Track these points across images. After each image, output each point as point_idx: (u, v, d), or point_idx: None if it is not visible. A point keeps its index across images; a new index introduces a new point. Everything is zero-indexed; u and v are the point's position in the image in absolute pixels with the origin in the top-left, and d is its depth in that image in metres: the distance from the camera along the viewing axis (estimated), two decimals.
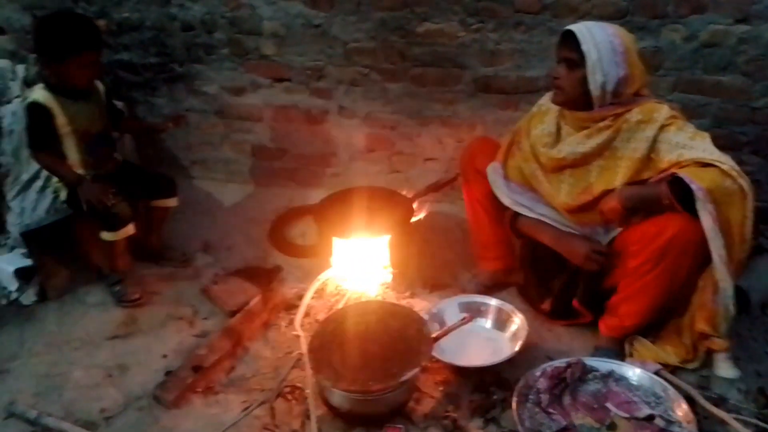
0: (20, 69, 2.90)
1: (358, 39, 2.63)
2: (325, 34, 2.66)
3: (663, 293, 1.81)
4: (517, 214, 2.08)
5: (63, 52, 2.15)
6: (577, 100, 1.85)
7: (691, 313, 1.88)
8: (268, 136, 3.01)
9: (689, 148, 1.74)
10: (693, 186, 1.65)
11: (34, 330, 2.27)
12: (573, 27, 1.78)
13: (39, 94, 2.24)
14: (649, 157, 1.81)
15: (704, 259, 1.74)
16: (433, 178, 2.70)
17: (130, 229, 2.32)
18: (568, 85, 1.84)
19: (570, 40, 1.78)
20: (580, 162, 1.91)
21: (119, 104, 2.91)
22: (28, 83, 2.87)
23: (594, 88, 1.79)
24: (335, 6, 2.58)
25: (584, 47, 1.75)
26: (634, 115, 1.81)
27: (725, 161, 1.70)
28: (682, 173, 1.68)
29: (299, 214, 2.88)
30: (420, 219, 2.61)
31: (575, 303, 2.03)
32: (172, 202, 2.57)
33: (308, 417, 1.80)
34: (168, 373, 2.01)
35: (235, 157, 3.13)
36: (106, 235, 2.30)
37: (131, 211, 2.32)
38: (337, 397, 1.78)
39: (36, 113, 2.23)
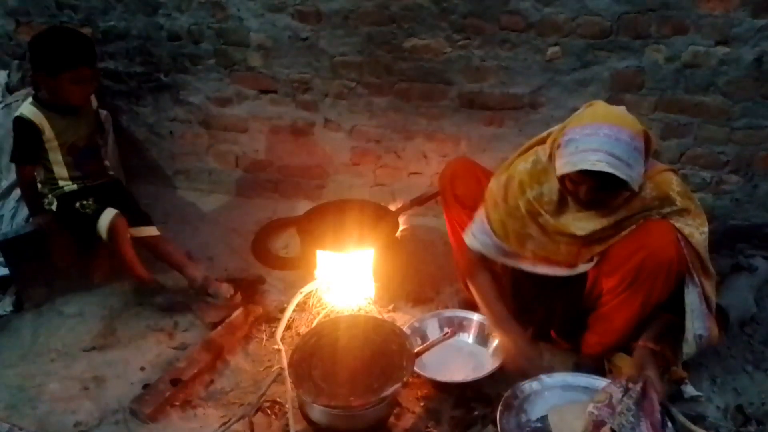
0: (2, 75, 2.88)
1: (344, 53, 2.64)
2: (312, 47, 2.67)
3: (638, 312, 1.82)
4: (471, 275, 2.03)
5: (56, 67, 2.14)
6: None
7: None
8: (253, 147, 3.00)
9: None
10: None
11: (9, 340, 2.23)
12: (599, 168, 1.56)
13: (27, 109, 2.22)
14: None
15: (678, 278, 1.76)
16: (417, 192, 2.71)
17: (103, 224, 2.27)
18: (610, 200, 1.73)
19: (597, 173, 1.58)
20: (587, 237, 1.81)
21: (103, 113, 2.90)
22: (10, 90, 2.85)
23: (635, 190, 1.67)
24: (323, 20, 2.59)
25: (623, 177, 1.57)
26: (648, 191, 1.74)
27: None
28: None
29: (283, 226, 2.87)
30: (403, 233, 2.61)
31: (553, 334, 2.05)
32: (148, 230, 2.42)
33: None
34: (145, 386, 1.99)
35: (220, 168, 3.11)
36: (102, 234, 2.29)
37: (96, 206, 2.30)
38: (318, 413, 1.76)
39: (22, 128, 2.22)
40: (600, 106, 1.72)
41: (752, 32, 2.17)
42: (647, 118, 2.39)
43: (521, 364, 1.89)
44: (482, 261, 2.00)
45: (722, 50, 2.23)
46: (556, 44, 2.38)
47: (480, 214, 1.96)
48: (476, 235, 1.97)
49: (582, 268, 1.87)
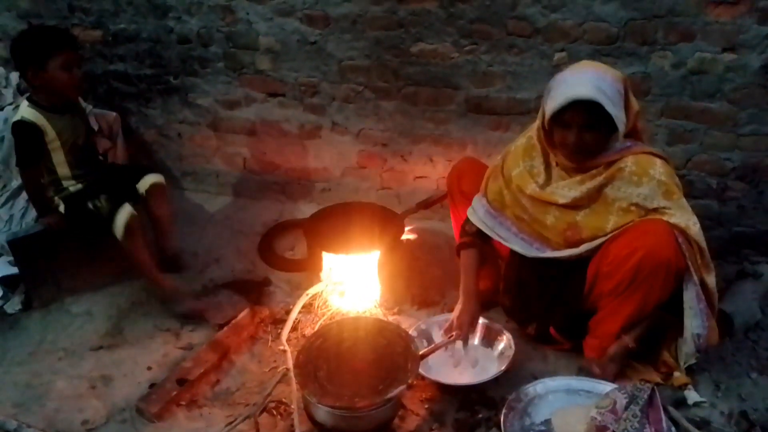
0: (14, 76, 2.91)
1: (352, 57, 2.66)
2: (320, 51, 2.68)
3: (638, 313, 1.83)
4: (463, 246, 2.13)
5: (42, 55, 2.15)
6: None
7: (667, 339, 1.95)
8: (261, 149, 3.02)
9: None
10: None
11: (17, 339, 2.25)
12: (588, 95, 1.68)
13: (26, 111, 2.22)
14: (643, 210, 1.80)
15: (677, 278, 1.78)
16: (423, 195, 2.72)
17: (120, 223, 2.27)
18: (597, 146, 1.80)
19: (586, 106, 1.70)
20: (570, 205, 1.88)
21: (112, 115, 2.92)
22: (21, 91, 2.87)
23: (621, 137, 1.78)
24: (331, 24, 2.61)
25: (609, 110, 1.69)
26: (628, 165, 1.80)
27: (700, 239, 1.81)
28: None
29: (289, 228, 2.88)
30: (409, 236, 2.62)
31: (552, 330, 2.05)
32: (154, 177, 2.45)
33: None
34: (152, 386, 2.00)
35: (227, 170, 3.13)
36: (118, 233, 2.28)
37: (110, 206, 2.31)
38: (322, 413, 1.77)
39: (23, 131, 2.22)
40: (584, 61, 1.90)
41: (759, 39, 2.18)
42: (653, 124, 2.40)
43: (461, 319, 2.03)
44: (476, 240, 2.11)
45: (729, 57, 2.23)
46: (562, 50, 2.39)
47: (481, 191, 2.10)
48: (476, 209, 2.09)
49: (572, 251, 1.89)
